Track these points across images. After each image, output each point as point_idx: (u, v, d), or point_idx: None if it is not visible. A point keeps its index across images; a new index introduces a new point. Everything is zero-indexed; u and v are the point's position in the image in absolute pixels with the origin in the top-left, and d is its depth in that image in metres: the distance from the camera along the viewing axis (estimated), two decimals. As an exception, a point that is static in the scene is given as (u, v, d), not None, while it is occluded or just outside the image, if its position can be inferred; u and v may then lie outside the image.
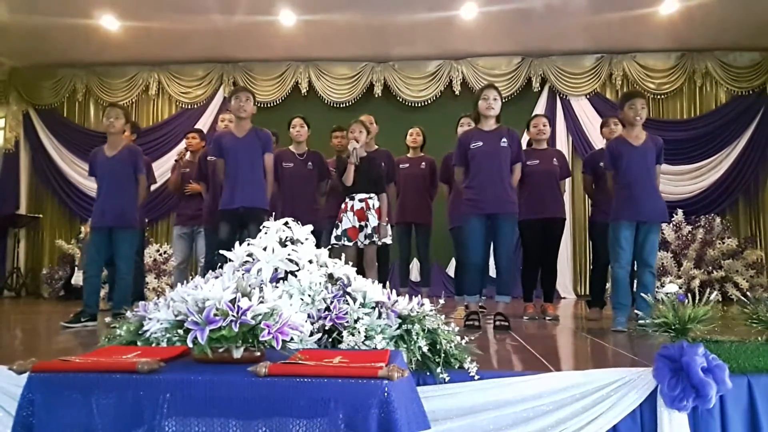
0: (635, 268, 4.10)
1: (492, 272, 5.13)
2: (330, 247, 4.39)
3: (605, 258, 4.66)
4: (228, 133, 4.60)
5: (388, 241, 4.64)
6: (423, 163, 5.55)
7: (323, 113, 8.05)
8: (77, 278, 7.42)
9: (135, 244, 4.73)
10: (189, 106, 8.86)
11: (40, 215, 8.96)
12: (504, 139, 4.12)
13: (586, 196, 6.58)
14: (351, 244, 4.47)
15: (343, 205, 4.59)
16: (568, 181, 7.55)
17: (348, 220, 4.50)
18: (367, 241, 4.49)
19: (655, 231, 4.01)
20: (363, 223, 4.49)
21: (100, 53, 8.34)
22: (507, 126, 4.26)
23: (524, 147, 5.13)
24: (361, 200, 4.53)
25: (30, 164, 9.08)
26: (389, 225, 4.67)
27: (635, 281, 4.12)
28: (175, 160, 5.92)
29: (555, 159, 5.02)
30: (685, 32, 7.62)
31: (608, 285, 4.86)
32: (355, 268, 2.46)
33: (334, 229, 4.56)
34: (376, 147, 5.37)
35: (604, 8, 7.01)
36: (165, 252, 7.75)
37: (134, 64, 8.81)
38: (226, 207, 4.37)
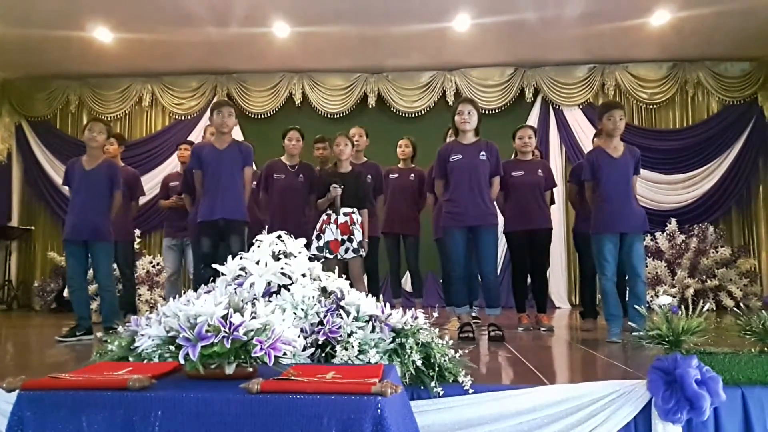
0: (626, 279, 4.10)
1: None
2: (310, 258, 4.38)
3: (590, 268, 4.68)
4: (208, 145, 4.57)
5: (363, 254, 4.63)
6: (412, 175, 5.55)
7: (317, 124, 8.06)
8: (69, 291, 7.38)
9: (112, 256, 4.67)
10: (182, 118, 8.86)
11: (32, 227, 8.93)
12: (483, 153, 4.15)
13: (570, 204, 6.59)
14: (332, 256, 4.45)
15: (325, 217, 4.57)
16: (561, 191, 7.60)
17: (331, 233, 4.49)
18: (349, 255, 4.48)
19: (639, 240, 4.03)
20: (346, 237, 4.48)
21: (93, 65, 8.34)
22: (487, 139, 4.28)
23: (512, 158, 5.15)
24: (345, 214, 4.52)
25: (22, 176, 9.06)
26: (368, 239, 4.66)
27: (627, 291, 4.13)
28: (176, 196, 5.75)
29: (540, 170, 5.03)
30: (676, 43, 7.68)
31: (599, 295, 4.86)
32: (349, 281, 2.45)
33: (315, 240, 4.54)
34: (365, 159, 5.36)
35: (596, 19, 7.06)
36: (158, 264, 7.71)
37: (127, 76, 8.80)
38: (206, 218, 4.33)
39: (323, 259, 4.35)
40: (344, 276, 2.54)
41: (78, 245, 4.46)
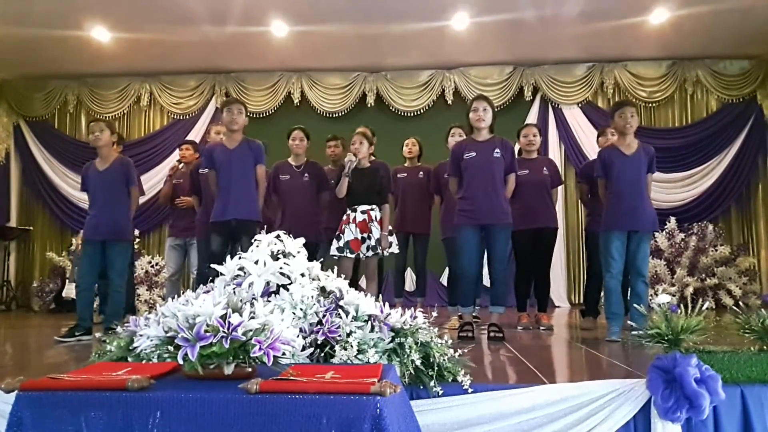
0: (629, 277, 4.10)
1: (486, 281, 5.13)
2: (331, 258, 4.39)
3: (600, 268, 4.66)
4: (219, 144, 4.58)
5: (395, 250, 4.64)
6: (421, 173, 5.53)
7: (316, 123, 8.04)
8: (68, 291, 7.37)
9: (128, 256, 4.72)
10: (181, 117, 8.85)
11: (31, 227, 8.91)
12: (497, 150, 4.12)
13: (581, 204, 6.60)
14: (353, 256, 4.45)
15: (344, 217, 4.57)
16: (561, 189, 7.59)
17: (350, 232, 4.48)
18: (370, 253, 4.48)
19: (647, 240, 4.02)
20: (366, 235, 4.47)
21: (91, 65, 8.33)
22: (501, 136, 4.26)
23: (517, 156, 5.14)
24: (363, 212, 4.51)
25: (20, 176, 9.04)
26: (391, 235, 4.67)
27: (629, 290, 4.13)
28: (168, 175, 5.88)
29: (545, 168, 5.03)
30: (675, 41, 7.68)
31: (602, 294, 4.85)
32: (348, 281, 2.45)
33: (335, 241, 4.53)
34: (373, 158, 5.35)
35: (596, 18, 7.05)
36: (156, 264, 7.70)
37: (126, 75, 8.79)
38: (218, 219, 4.34)
39: (341, 258, 4.38)
40: (345, 275, 2.53)
41: (95, 245, 4.46)
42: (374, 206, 4.55)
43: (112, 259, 4.48)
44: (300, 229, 4.06)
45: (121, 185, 4.54)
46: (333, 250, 4.49)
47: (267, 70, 8.66)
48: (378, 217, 4.54)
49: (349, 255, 4.43)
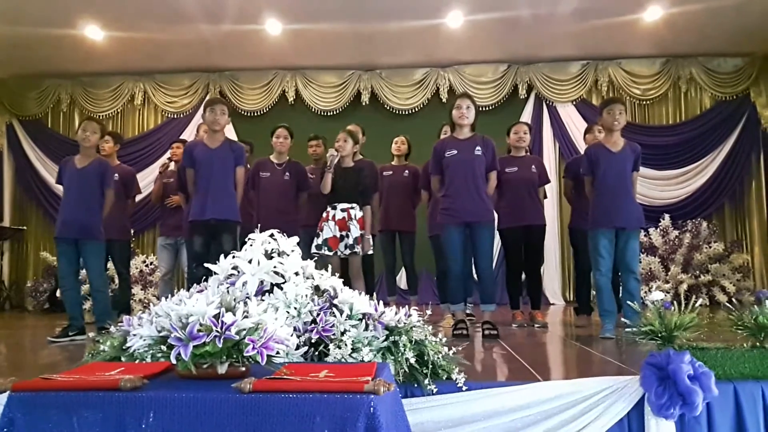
0: (620, 275, 4.11)
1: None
2: (311, 257, 4.38)
3: (586, 264, 4.67)
4: (200, 143, 4.56)
5: (370, 251, 4.63)
6: (406, 171, 5.55)
7: (310, 121, 8.05)
8: (63, 291, 7.34)
9: (103, 256, 4.67)
10: (175, 116, 8.82)
11: (24, 227, 8.88)
12: (478, 148, 4.14)
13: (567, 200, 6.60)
14: (331, 253, 4.44)
15: (324, 214, 4.56)
16: (554, 187, 7.59)
17: (329, 230, 4.48)
18: (347, 252, 4.46)
19: (635, 237, 4.03)
20: (344, 233, 4.46)
21: (84, 63, 8.28)
22: (483, 134, 4.28)
23: (506, 154, 5.15)
24: (343, 210, 4.50)
25: (13, 175, 9.00)
26: (371, 236, 4.65)
27: (620, 287, 4.14)
28: (159, 172, 5.89)
29: (533, 166, 5.04)
30: (669, 38, 7.69)
31: (593, 291, 4.87)
32: (342, 279, 2.45)
33: (315, 238, 4.53)
34: (361, 157, 5.35)
35: (590, 15, 7.06)
36: (151, 263, 7.68)
37: (119, 74, 8.75)
38: (197, 218, 4.32)
39: (317, 257, 4.35)
40: (338, 275, 2.53)
41: (69, 244, 4.42)
42: (354, 205, 4.55)
43: (86, 259, 4.45)
44: (275, 226, 4.09)
45: (96, 186, 4.48)
46: (312, 248, 4.48)
47: (261, 68, 8.62)
48: (358, 216, 4.54)
49: (327, 252, 4.43)
